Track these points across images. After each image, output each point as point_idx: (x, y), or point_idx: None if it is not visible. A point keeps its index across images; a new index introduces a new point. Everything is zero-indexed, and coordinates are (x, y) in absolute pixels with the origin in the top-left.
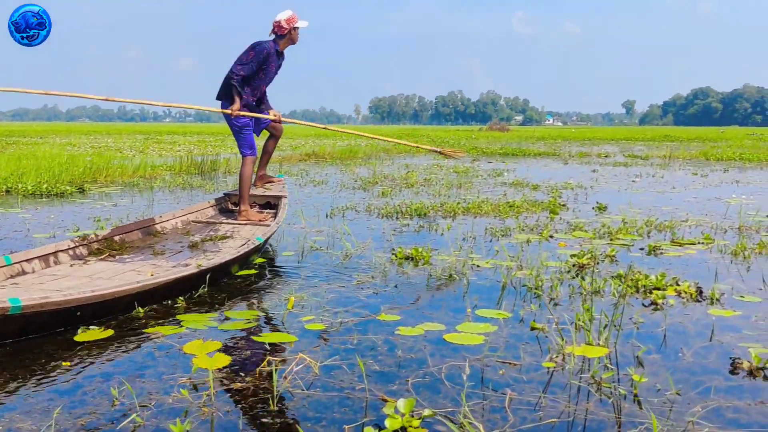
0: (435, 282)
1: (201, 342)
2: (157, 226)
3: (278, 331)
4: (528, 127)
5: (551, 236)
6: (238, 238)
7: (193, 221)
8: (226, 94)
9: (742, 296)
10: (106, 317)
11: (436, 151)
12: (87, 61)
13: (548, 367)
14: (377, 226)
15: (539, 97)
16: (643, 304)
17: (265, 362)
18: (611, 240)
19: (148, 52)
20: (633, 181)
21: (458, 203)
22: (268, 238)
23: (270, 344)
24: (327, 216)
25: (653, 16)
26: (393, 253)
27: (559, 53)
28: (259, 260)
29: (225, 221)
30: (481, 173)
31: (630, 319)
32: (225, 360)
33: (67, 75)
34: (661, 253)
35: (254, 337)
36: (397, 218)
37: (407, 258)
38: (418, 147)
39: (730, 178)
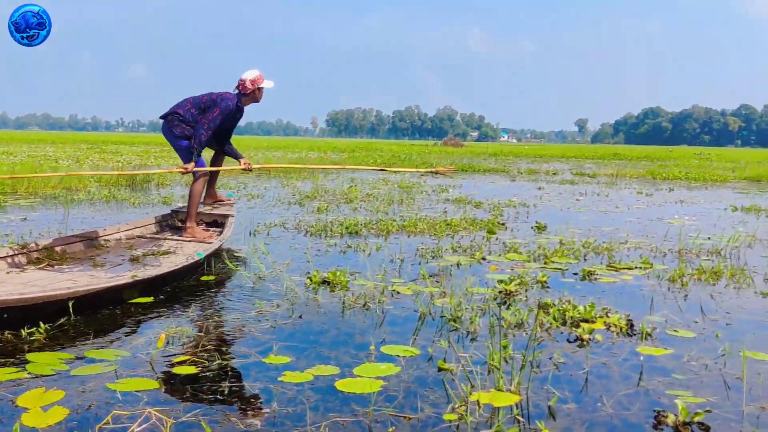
0: (346, 312)
1: (42, 391)
2: (101, 239)
3: (140, 375)
4: (483, 143)
5: (484, 258)
6: (180, 254)
7: (137, 236)
8: (178, 127)
9: (675, 330)
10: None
11: (432, 172)
12: (37, 66)
13: (449, 421)
14: (302, 245)
15: (495, 114)
16: (567, 340)
17: (108, 418)
18: (545, 263)
19: (99, 58)
20: (577, 200)
21: (393, 221)
22: (210, 256)
23: (123, 393)
24: (250, 233)
25: (605, 37)
26: (308, 277)
27: (514, 71)
28: (209, 278)
29: (170, 237)
30: (426, 189)
31: (550, 358)
32: (60, 415)
33: (16, 80)
34: (596, 278)
35: (108, 384)
36: (325, 237)
37: (323, 283)
38: (417, 171)
39: (675, 197)
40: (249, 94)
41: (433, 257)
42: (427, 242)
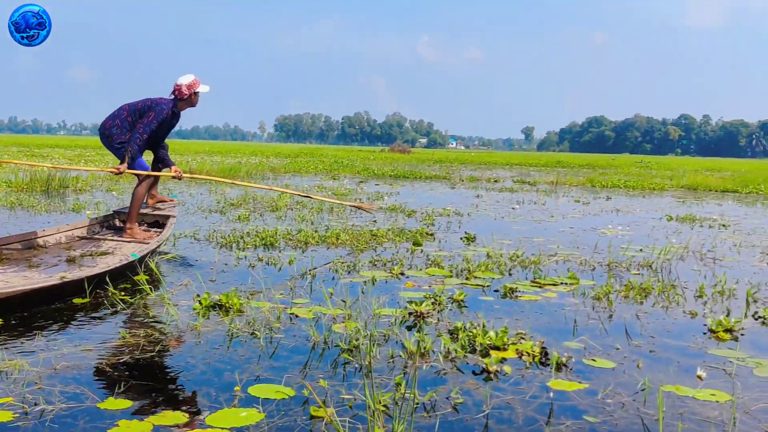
0: (228, 342)
1: None
2: (39, 240)
3: None
4: (431, 149)
5: (402, 273)
6: (117, 254)
7: (78, 236)
8: (117, 137)
9: (594, 359)
10: None
11: (355, 207)
12: None
13: None
14: (208, 258)
15: (443, 121)
16: (473, 372)
17: None
18: (467, 278)
19: (40, 59)
20: (513, 209)
21: (315, 231)
22: (145, 256)
23: None
24: None
25: (551, 46)
26: (198, 301)
27: (462, 78)
28: (143, 277)
29: (110, 238)
30: (361, 197)
31: (447, 398)
32: None
33: None
34: (518, 296)
35: None
36: (236, 249)
37: (214, 306)
38: (341, 203)
39: (612, 206)
40: (185, 98)
41: (349, 272)
42: (347, 255)
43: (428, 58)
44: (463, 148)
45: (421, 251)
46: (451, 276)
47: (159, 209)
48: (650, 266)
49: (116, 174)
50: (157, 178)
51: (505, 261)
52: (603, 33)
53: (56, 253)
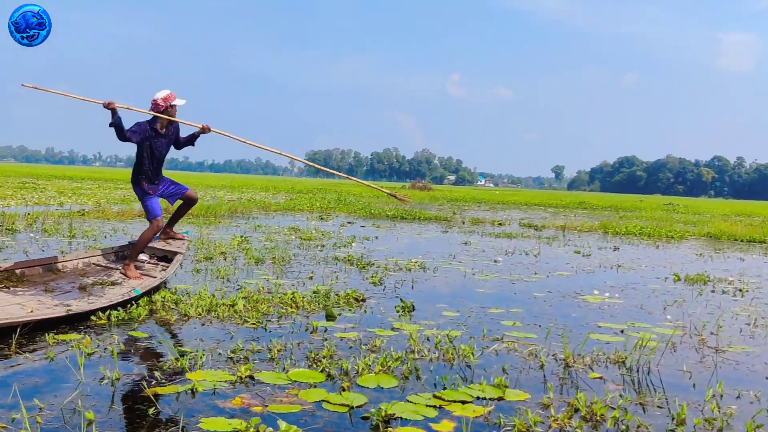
0: None
1: None
2: (59, 265)
3: None
4: (459, 187)
5: (251, 377)
6: (125, 287)
7: (93, 263)
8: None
9: None
10: None
11: (392, 195)
12: (13, 98)
13: None
14: None
15: (473, 158)
16: None
17: None
18: (343, 388)
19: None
20: (495, 261)
21: (212, 296)
22: (147, 291)
23: None
24: None
25: (581, 85)
26: None
27: (492, 116)
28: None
29: (122, 269)
30: (332, 240)
31: None
32: None
33: None
34: (390, 430)
35: None
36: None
37: None
38: (379, 189)
39: (615, 259)
40: (162, 111)
41: (171, 377)
42: (219, 335)
43: (458, 96)
44: (492, 185)
45: (325, 331)
46: (324, 380)
47: (169, 245)
48: (623, 363)
49: (105, 106)
50: (175, 220)
51: (426, 351)
52: (634, 73)
53: (71, 279)
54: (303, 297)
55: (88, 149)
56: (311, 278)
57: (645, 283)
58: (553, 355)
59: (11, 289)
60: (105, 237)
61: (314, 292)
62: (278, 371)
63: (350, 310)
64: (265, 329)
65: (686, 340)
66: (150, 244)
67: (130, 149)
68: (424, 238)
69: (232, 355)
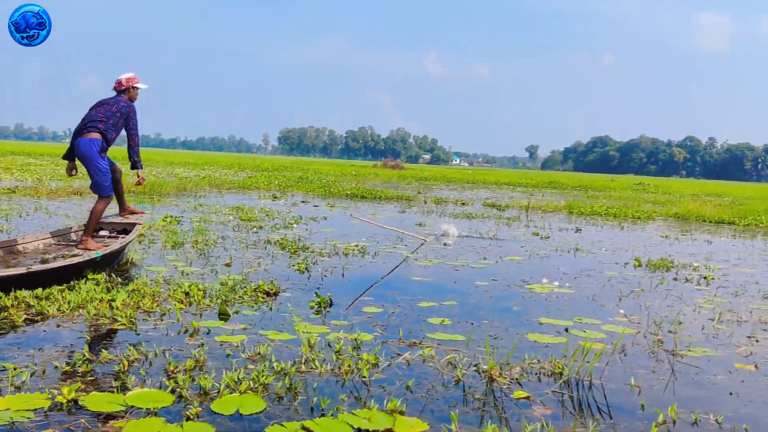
0: None
1: None
2: (20, 247)
3: None
4: (433, 166)
5: (76, 400)
6: (85, 257)
7: (54, 243)
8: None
9: None
10: None
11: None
12: None
13: None
14: None
15: (448, 138)
16: None
17: None
18: (187, 419)
19: (48, 67)
20: (444, 245)
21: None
22: (109, 255)
23: None
24: None
25: (557, 65)
26: None
27: (469, 96)
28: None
29: (80, 245)
30: (275, 221)
31: None
32: None
33: None
34: None
35: None
36: None
37: None
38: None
39: (575, 242)
40: (123, 90)
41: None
42: (73, 340)
43: (435, 75)
44: (466, 165)
45: (207, 333)
46: (171, 403)
47: (128, 219)
48: (560, 375)
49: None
50: (120, 191)
51: (316, 361)
52: (610, 54)
53: (33, 257)
54: (203, 290)
55: (58, 125)
56: (229, 265)
57: (602, 270)
58: (475, 366)
59: None
60: (21, 216)
61: (221, 284)
62: (116, 392)
63: (254, 306)
64: (136, 331)
65: (640, 340)
66: (109, 220)
67: None
68: (378, 218)
69: (67, 368)
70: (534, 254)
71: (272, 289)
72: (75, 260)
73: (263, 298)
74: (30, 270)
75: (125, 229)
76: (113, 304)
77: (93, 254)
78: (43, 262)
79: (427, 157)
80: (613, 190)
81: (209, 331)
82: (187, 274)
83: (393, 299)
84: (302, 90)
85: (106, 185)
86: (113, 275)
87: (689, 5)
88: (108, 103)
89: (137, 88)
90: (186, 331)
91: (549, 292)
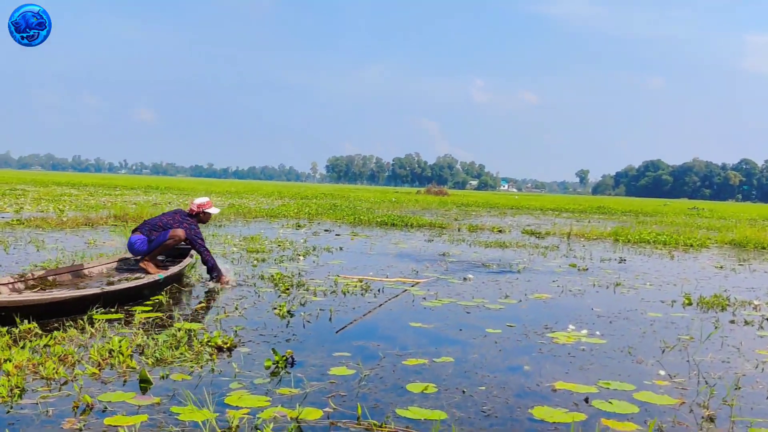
0: None
1: None
2: (86, 270)
3: None
4: (481, 192)
5: None
6: (149, 279)
7: (117, 268)
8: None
9: None
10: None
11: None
12: (41, 106)
13: None
14: None
15: (496, 164)
16: None
17: None
18: None
19: (106, 101)
20: (465, 279)
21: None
22: (169, 276)
23: None
24: None
25: (607, 89)
26: None
27: (516, 121)
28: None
29: (142, 264)
30: (285, 252)
31: None
32: None
33: (21, 120)
34: None
35: None
36: None
37: None
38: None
39: (617, 275)
40: (194, 215)
41: None
42: None
43: (481, 101)
44: (515, 190)
45: (103, 411)
46: None
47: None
48: None
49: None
50: (166, 250)
51: None
52: (660, 77)
53: (99, 280)
54: (142, 345)
55: (114, 157)
56: (202, 308)
57: (644, 310)
58: None
59: (46, 290)
60: (6, 251)
61: (167, 336)
62: None
63: (193, 367)
64: (9, 409)
65: (684, 416)
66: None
67: (154, 157)
68: (400, 249)
69: None
70: (566, 290)
71: (227, 343)
72: (140, 282)
73: (211, 355)
74: (104, 290)
75: (181, 254)
76: (5, 367)
77: (156, 276)
78: (110, 283)
79: (475, 183)
80: (665, 215)
81: (105, 408)
82: (142, 322)
83: (375, 354)
84: (350, 118)
85: (151, 246)
86: (38, 325)
87: (737, 26)
88: (177, 220)
89: (208, 213)
90: (75, 408)
91: (575, 343)
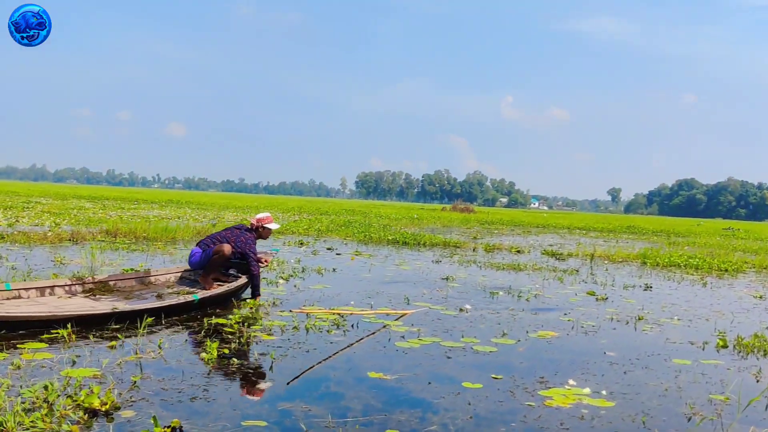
0: None
1: None
2: (152, 278)
3: None
4: (510, 209)
5: None
6: (182, 299)
7: (183, 277)
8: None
9: None
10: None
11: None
12: (78, 121)
13: None
14: None
15: (526, 181)
16: None
17: None
18: None
19: (139, 116)
20: (461, 310)
21: None
22: (205, 298)
23: None
24: None
25: (639, 106)
26: None
27: (547, 138)
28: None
29: (200, 278)
30: (269, 273)
31: None
32: None
33: (57, 135)
34: None
35: None
36: None
37: None
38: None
39: (640, 305)
40: (253, 229)
41: None
42: None
43: (512, 118)
44: (545, 208)
45: None
46: None
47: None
48: None
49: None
50: (216, 265)
51: None
52: (692, 94)
53: (157, 290)
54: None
55: (148, 171)
56: (113, 347)
57: (668, 354)
58: None
59: (97, 296)
60: None
61: (44, 387)
62: None
63: None
64: None
65: None
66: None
67: (187, 172)
68: (401, 271)
69: None
70: (578, 326)
71: (106, 404)
72: (173, 302)
73: (83, 421)
74: (115, 310)
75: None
76: None
77: (191, 297)
78: (158, 296)
79: (505, 200)
80: (698, 235)
81: None
82: (21, 367)
83: (296, 426)
84: (380, 134)
85: (202, 259)
86: None
87: None
88: (234, 234)
89: (268, 229)
90: None
91: (573, 407)
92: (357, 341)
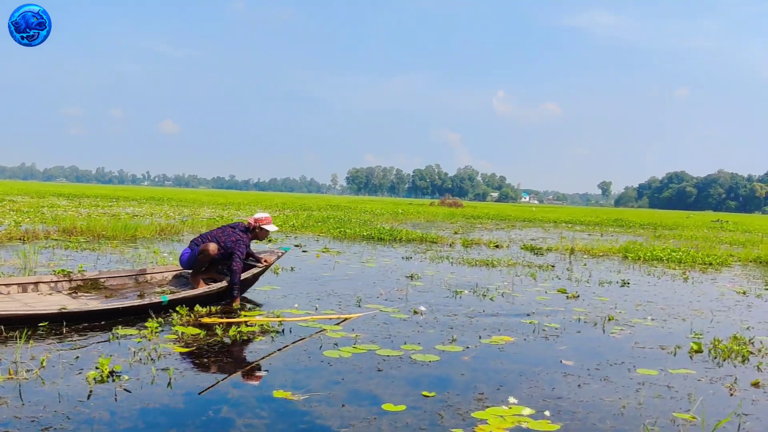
0: None
1: None
2: (148, 276)
3: None
4: (501, 204)
5: None
6: (153, 299)
7: (180, 276)
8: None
9: None
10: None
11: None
12: (69, 119)
13: None
14: None
15: (517, 175)
16: None
17: None
18: None
19: (131, 113)
20: (415, 312)
21: None
22: (176, 302)
23: None
24: None
25: (631, 101)
26: None
27: (538, 133)
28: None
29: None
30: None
31: None
32: None
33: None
34: None
35: None
36: None
37: None
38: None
39: (614, 303)
40: (251, 229)
41: None
42: None
43: (503, 113)
44: (536, 202)
45: None
46: None
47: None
48: None
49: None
50: (201, 264)
51: None
52: (684, 87)
53: (147, 288)
54: None
55: (138, 169)
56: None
57: (634, 362)
58: None
59: (78, 294)
60: None
61: None
62: None
63: None
64: None
65: None
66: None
67: (177, 169)
68: (366, 268)
69: None
70: (539, 330)
71: None
72: (140, 302)
73: None
74: (63, 311)
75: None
76: None
77: (159, 298)
78: (140, 296)
79: (495, 195)
80: (686, 228)
81: None
82: None
83: None
84: (371, 130)
85: (189, 258)
86: None
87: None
88: (226, 233)
89: (265, 230)
90: None
91: (511, 431)
92: (278, 350)
